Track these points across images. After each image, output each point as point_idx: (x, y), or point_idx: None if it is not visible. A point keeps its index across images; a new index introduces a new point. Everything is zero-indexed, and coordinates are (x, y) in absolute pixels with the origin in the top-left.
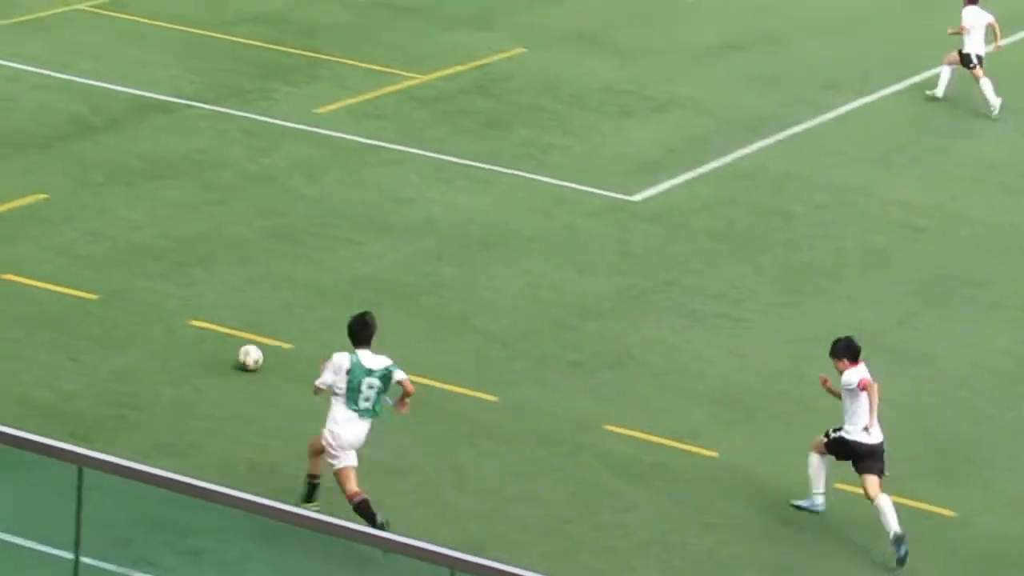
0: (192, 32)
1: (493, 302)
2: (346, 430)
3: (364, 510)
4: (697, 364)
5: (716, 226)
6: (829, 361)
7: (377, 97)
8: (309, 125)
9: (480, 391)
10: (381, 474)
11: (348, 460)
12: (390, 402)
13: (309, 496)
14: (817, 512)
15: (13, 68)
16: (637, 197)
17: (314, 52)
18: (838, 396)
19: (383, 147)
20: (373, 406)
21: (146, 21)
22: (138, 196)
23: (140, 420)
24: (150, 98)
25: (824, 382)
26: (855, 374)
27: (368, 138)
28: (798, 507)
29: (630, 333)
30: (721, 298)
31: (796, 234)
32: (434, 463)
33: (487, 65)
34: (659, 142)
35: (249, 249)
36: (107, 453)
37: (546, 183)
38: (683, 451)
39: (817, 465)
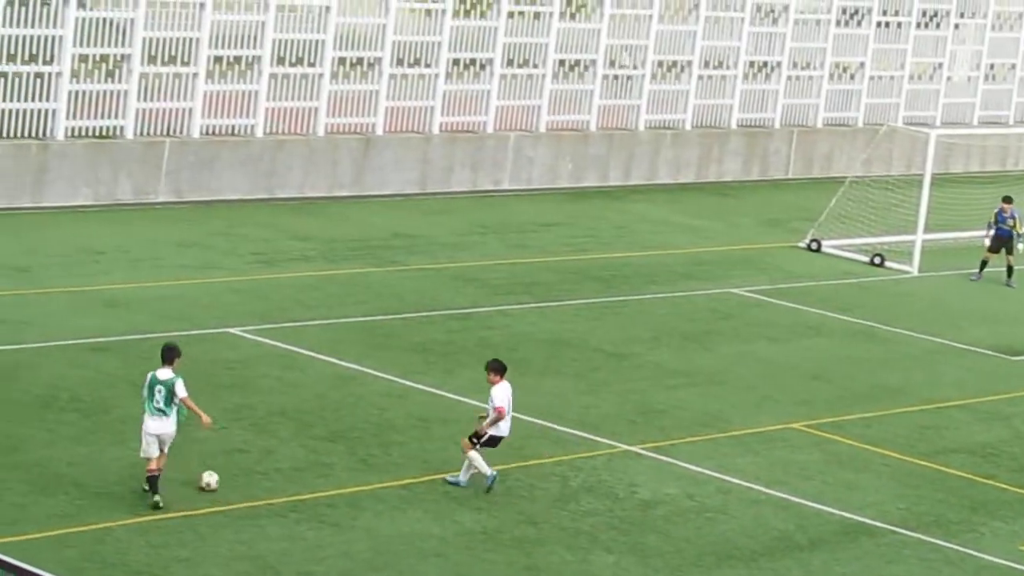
0: (903, 459)
1: None
2: (148, 425)
3: (152, 481)
4: None
5: None
6: None
7: None
8: (1014, 562)
9: None
10: None
11: (151, 451)
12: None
13: (151, 488)
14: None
15: (726, 481)
16: None
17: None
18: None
19: None
20: (162, 407)
21: (859, 445)
22: None
23: None
24: (856, 521)
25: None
26: (500, 395)
27: None
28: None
29: None
30: None
31: None
32: None
33: None
34: None
35: None
36: None
37: None
38: None
39: (478, 457)
